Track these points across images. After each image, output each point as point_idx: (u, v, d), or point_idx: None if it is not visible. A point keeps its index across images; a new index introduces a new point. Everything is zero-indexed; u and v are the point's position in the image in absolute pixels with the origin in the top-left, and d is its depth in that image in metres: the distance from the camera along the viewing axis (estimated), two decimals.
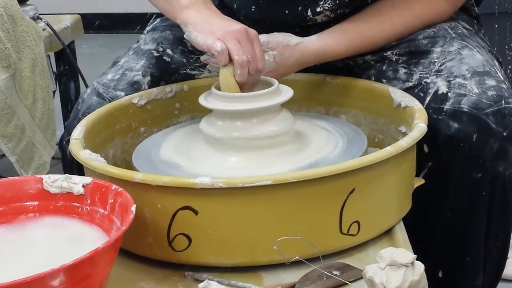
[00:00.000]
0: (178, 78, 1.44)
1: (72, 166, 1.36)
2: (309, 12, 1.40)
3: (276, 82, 1.24)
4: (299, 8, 1.41)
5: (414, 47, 1.38)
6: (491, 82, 1.27)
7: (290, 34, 1.33)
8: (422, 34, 1.39)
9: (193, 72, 1.46)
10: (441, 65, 1.32)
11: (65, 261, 0.88)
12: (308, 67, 1.39)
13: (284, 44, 1.31)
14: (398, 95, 1.32)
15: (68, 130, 1.37)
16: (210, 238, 1.08)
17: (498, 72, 1.31)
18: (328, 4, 1.39)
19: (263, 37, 1.30)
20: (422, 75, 1.33)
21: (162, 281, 1.10)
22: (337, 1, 1.38)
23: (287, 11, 1.42)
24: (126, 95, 1.39)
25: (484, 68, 1.30)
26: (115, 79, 1.42)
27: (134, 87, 1.41)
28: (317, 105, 1.46)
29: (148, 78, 1.42)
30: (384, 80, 1.39)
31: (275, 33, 1.32)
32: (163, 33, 1.50)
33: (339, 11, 1.39)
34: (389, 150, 1.12)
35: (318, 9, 1.40)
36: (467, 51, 1.34)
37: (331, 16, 1.40)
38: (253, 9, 1.45)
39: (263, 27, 1.41)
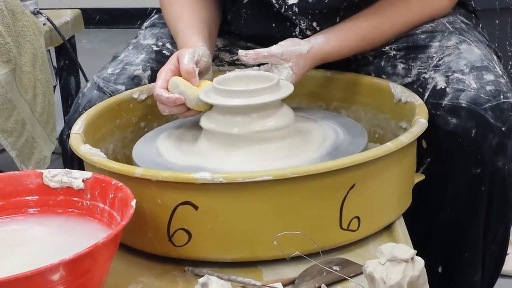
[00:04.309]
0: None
1: (73, 161, 1.36)
2: (297, 29, 1.41)
3: (276, 77, 1.24)
4: (287, 23, 1.41)
5: (412, 42, 1.37)
6: (489, 76, 1.27)
7: (296, 40, 1.32)
8: (420, 28, 1.39)
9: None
10: (439, 60, 1.32)
11: (65, 256, 0.88)
12: None
13: (297, 54, 1.29)
14: (399, 91, 1.32)
15: (69, 124, 1.37)
16: (210, 233, 1.08)
17: (496, 66, 1.31)
18: (310, 23, 1.39)
19: (276, 49, 1.28)
20: (421, 70, 1.33)
21: (162, 276, 1.10)
22: (318, 19, 1.38)
23: (273, 25, 1.42)
24: (126, 89, 1.39)
25: (483, 63, 1.29)
26: (115, 73, 1.42)
27: (135, 81, 1.41)
28: (317, 100, 1.46)
29: (148, 72, 1.42)
30: (383, 76, 1.39)
31: (282, 42, 1.30)
32: (163, 29, 1.50)
33: (324, 26, 1.39)
34: (390, 146, 1.12)
35: (303, 26, 1.40)
36: (465, 46, 1.33)
37: (317, 30, 1.40)
38: (242, 21, 1.45)
39: (252, 39, 1.42)
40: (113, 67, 1.44)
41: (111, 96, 1.38)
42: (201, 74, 1.29)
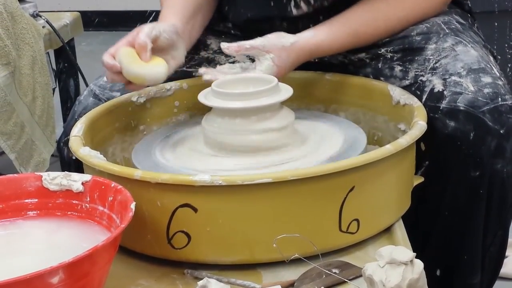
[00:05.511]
0: (174, 77, 1.44)
1: (70, 167, 1.36)
2: (292, 2, 1.40)
3: (275, 80, 1.24)
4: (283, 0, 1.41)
5: (408, 44, 1.37)
6: (487, 79, 1.27)
7: (283, 33, 1.32)
8: (415, 30, 1.38)
9: (190, 70, 1.47)
10: (435, 63, 1.32)
11: (64, 258, 0.88)
12: (303, 63, 1.39)
13: (280, 46, 1.29)
14: (397, 93, 1.32)
15: (66, 131, 1.38)
16: (209, 235, 1.08)
17: (493, 68, 1.31)
18: None
19: (258, 41, 1.29)
20: (418, 72, 1.33)
21: (161, 278, 1.10)
22: None
23: (272, 4, 1.42)
24: (121, 95, 1.39)
25: (479, 65, 1.29)
26: None
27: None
28: (316, 102, 1.46)
29: None
30: (382, 78, 1.38)
31: (268, 35, 1.31)
32: None
33: (320, 3, 1.38)
34: (389, 148, 1.12)
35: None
36: (461, 47, 1.33)
37: (314, 6, 1.39)
38: (238, 5, 1.46)
39: (247, 23, 1.42)
40: None
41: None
42: (166, 50, 1.30)
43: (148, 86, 1.35)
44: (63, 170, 1.41)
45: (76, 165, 1.31)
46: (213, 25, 1.51)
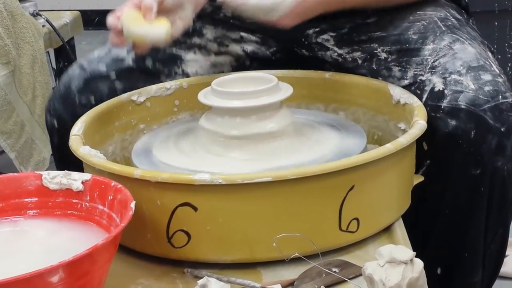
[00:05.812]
0: (164, 57, 1.44)
1: (53, 135, 1.43)
2: None
3: (275, 79, 1.24)
4: None
5: (404, 43, 1.36)
6: (487, 76, 1.27)
7: None
8: (412, 28, 1.37)
9: (179, 52, 1.47)
10: (434, 61, 1.32)
11: (64, 257, 0.88)
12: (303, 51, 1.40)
13: None
14: (397, 92, 1.32)
15: (50, 100, 1.46)
16: (209, 234, 1.08)
17: (493, 64, 1.31)
18: None
19: None
20: (417, 72, 1.33)
21: (161, 277, 1.10)
22: None
23: None
24: (107, 68, 1.43)
25: (479, 62, 1.29)
26: (100, 56, 1.47)
27: (117, 63, 1.44)
28: (316, 102, 1.46)
29: (132, 54, 1.43)
30: (380, 78, 1.38)
31: None
32: None
33: None
34: (389, 147, 1.12)
35: None
36: (459, 45, 1.33)
37: None
38: None
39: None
40: (99, 50, 1.48)
41: (91, 75, 1.42)
42: (173, 11, 1.29)
43: (153, 47, 1.32)
44: (50, 138, 1.49)
45: (58, 134, 1.37)
46: (213, 13, 1.50)
